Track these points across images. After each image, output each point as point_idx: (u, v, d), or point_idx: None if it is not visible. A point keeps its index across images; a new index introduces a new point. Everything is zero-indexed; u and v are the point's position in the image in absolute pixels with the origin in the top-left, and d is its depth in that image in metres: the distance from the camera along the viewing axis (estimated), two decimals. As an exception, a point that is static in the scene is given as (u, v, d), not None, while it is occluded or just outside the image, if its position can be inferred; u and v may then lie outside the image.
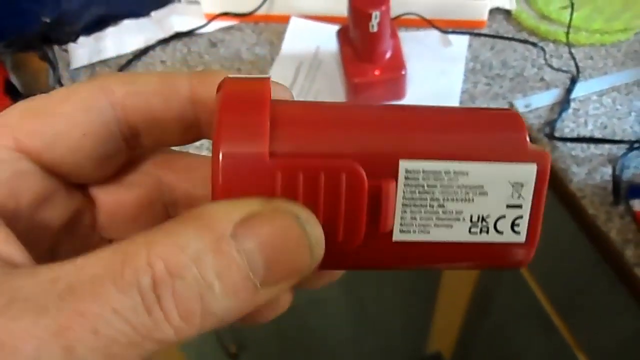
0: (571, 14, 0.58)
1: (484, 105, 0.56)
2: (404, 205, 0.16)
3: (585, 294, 0.57)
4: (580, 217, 0.49)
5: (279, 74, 0.62)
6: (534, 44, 0.61)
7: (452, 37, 0.62)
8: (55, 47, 0.66)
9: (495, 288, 0.73)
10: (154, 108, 0.17)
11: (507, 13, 0.65)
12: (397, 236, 0.16)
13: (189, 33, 0.67)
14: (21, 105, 0.16)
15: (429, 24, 0.63)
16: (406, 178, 0.16)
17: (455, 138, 0.17)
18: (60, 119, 0.16)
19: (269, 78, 0.16)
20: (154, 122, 0.17)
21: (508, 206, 0.16)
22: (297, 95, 0.60)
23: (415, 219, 0.16)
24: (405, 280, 0.88)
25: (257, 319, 0.18)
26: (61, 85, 0.62)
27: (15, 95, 0.58)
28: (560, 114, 0.54)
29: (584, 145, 0.52)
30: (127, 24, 0.70)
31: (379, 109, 0.17)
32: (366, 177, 0.15)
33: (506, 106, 0.56)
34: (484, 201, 0.16)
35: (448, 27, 0.64)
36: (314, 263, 0.15)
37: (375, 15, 0.50)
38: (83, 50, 0.65)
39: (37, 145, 0.16)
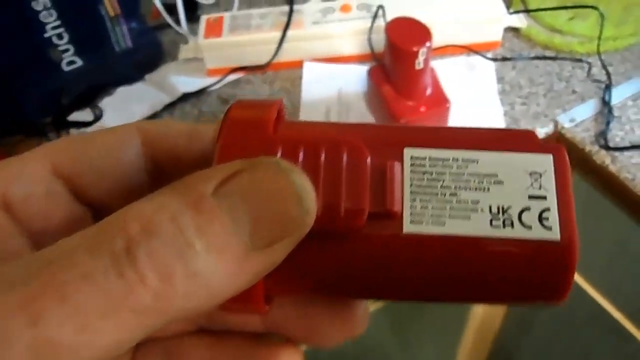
0: (601, 25, 0.59)
1: (530, 127, 0.56)
2: (412, 193, 0.15)
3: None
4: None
5: (309, 123, 0.59)
6: (578, 60, 0.61)
7: (475, 61, 0.62)
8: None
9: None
10: (179, 148, 0.18)
11: (516, 31, 0.66)
12: (407, 227, 0.15)
13: (198, 93, 0.63)
14: (65, 137, 0.16)
15: (467, 49, 0.62)
16: (412, 165, 0.16)
17: (461, 132, 0.16)
18: (94, 146, 0.17)
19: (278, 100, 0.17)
20: (177, 161, 0.18)
21: (530, 197, 0.15)
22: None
23: (426, 208, 0.15)
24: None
25: (322, 340, 0.18)
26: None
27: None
28: (607, 124, 0.54)
29: (640, 151, 0.52)
30: (123, 91, 0.64)
31: (385, 125, 0.18)
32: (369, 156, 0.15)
33: (551, 125, 0.56)
34: (501, 191, 0.15)
35: (464, 51, 0.63)
36: (306, 216, 0.14)
37: (422, 52, 0.49)
38: (85, 129, 0.59)
39: (70, 169, 0.17)
